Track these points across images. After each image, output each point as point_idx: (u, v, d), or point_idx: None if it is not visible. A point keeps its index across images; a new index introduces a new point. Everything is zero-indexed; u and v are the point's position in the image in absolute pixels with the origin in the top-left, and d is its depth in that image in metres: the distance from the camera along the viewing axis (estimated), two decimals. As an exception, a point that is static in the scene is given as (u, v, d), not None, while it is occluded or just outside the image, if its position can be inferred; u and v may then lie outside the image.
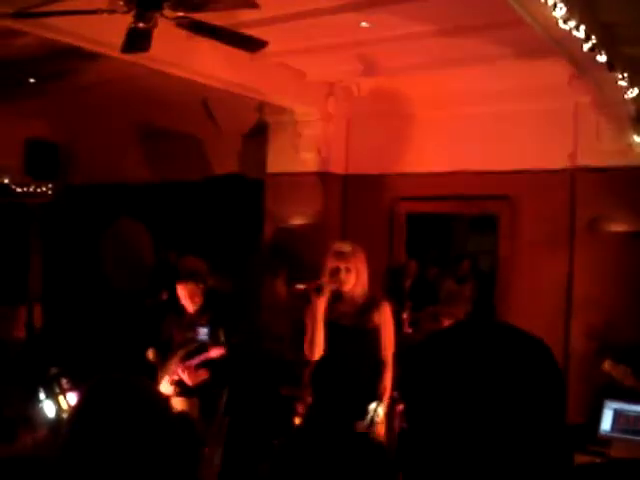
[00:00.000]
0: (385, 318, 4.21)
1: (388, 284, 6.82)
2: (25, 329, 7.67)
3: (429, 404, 3.01)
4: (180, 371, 5.35)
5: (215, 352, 5.33)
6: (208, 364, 5.39)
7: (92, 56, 5.70)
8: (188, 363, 5.36)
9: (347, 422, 3.92)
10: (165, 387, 5.47)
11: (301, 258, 7.05)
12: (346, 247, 4.21)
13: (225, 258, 7.34)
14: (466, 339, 3.09)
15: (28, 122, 9.31)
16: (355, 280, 4.16)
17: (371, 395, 4.06)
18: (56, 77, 7.15)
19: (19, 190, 9.16)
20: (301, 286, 4.16)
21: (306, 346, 4.17)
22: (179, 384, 5.46)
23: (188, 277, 5.62)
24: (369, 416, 3.94)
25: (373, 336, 4.16)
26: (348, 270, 4.14)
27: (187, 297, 5.53)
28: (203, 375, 5.38)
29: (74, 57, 6.08)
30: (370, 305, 4.19)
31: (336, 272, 4.14)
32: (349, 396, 4.04)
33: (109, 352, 6.86)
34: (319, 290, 4.08)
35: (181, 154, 8.54)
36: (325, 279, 4.11)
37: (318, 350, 4.16)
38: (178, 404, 5.46)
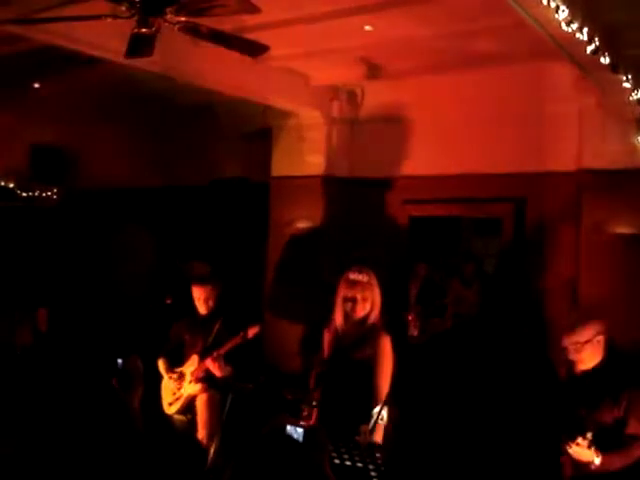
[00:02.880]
0: (381, 350, 4.16)
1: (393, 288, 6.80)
2: (31, 334, 7.68)
3: (422, 404, 2.98)
4: (210, 361, 5.34)
5: (251, 331, 5.34)
6: (233, 358, 5.39)
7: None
8: (217, 353, 5.33)
9: (351, 426, 3.91)
10: (188, 388, 5.48)
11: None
12: (363, 276, 4.21)
13: (229, 262, 7.35)
14: (462, 342, 3.08)
15: (33, 127, 9.35)
16: (370, 309, 4.18)
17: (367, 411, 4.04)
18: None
19: (24, 195, 9.20)
20: (289, 396, 4.18)
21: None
22: (206, 379, 5.46)
23: (206, 279, 5.66)
24: (373, 420, 3.93)
25: (363, 367, 4.15)
26: (365, 300, 4.16)
27: (202, 300, 5.57)
28: (229, 369, 5.39)
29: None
30: (366, 335, 4.18)
31: (351, 301, 4.15)
32: (351, 402, 4.04)
33: (113, 357, 6.87)
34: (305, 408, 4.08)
35: (186, 158, 8.55)
36: (312, 402, 4.11)
37: None
38: (203, 401, 5.47)
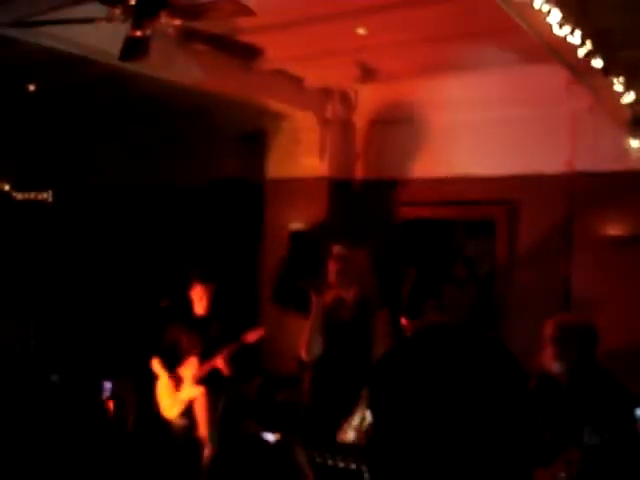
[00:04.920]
0: (379, 323, 4.14)
1: (386, 290, 6.81)
2: (27, 338, 7.71)
3: (392, 408, 2.95)
4: (220, 359, 5.35)
5: (251, 336, 5.37)
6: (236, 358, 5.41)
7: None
8: (227, 351, 5.35)
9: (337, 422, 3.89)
10: (189, 391, 5.49)
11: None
12: (342, 249, 4.22)
13: (224, 263, 7.36)
14: (425, 347, 3.02)
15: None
16: (350, 282, 4.16)
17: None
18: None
19: (20, 197, 9.18)
20: (301, 283, 4.18)
21: (301, 346, 4.19)
22: (208, 381, 5.48)
23: (209, 278, 5.70)
24: (358, 417, 3.90)
25: (364, 339, 4.12)
26: (342, 272, 4.15)
27: (205, 298, 5.59)
28: (234, 369, 5.42)
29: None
30: (364, 309, 4.17)
31: (334, 275, 4.16)
32: (343, 396, 4.01)
33: (110, 359, 6.88)
34: (317, 288, 4.10)
35: (183, 160, 8.55)
36: (323, 280, 4.14)
37: (311, 352, 4.17)
38: (203, 402, 5.48)
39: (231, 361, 5.39)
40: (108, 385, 4.67)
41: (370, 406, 3.60)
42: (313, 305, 4.14)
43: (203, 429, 5.41)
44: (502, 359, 2.78)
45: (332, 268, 4.19)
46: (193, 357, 5.53)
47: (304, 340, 4.18)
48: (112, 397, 4.66)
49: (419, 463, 2.68)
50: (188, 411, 5.54)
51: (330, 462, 3.84)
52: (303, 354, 4.21)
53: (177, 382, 5.56)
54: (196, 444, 5.35)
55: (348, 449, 3.75)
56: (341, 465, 3.80)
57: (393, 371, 2.95)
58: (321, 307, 4.15)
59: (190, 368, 5.53)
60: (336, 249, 4.25)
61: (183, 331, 5.66)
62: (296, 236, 7.27)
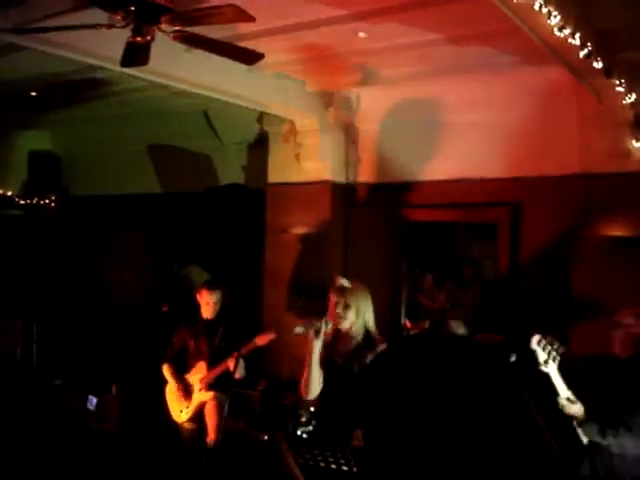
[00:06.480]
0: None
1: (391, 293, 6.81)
2: (25, 342, 7.72)
3: (383, 421, 2.95)
4: (229, 362, 5.34)
5: (261, 339, 5.36)
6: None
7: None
8: (239, 353, 5.32)
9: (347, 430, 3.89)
10: (199, 395, 5.50)
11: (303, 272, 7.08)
12: (346, 282, 4.18)
13: (226, 269, 7.37)
14: (416, 357, 3.04)
15: (31, 135, 9.38)
16: (354, 318, 4.12)
17: None
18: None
19: (22, 202, 9.21)
20: (299, 330, 4.10)
21: (301, 385, 4.15)
22: (215, 383, 5.48)
23: (217, 284, 5.71)
24: None
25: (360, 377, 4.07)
26: (346, 306, 4.11)
27: (213, 304, 5.60)
28: (244, 372, 5.40)
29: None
30: (365, 347, 4.11)
31: (334, 307, 4.11)
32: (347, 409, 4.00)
33: (111, 363, 6.88)
34: (317, 333, 4.05)
35: (183, 165, 8.57)
36: (322, 321, 4.07)
37: (312, 391, 4.13)
38: (213, 406, 5.48)
39: (240, 363, 5.35)
40: (94, 399, 4.62)
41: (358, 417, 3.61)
42: (310, 347, 4.09)
43: (212, 432, 5.40)
44: (490, 371, 2.78)
45: (332, 299, 4.16)
46: (201, 362, 5.53)
47: (303, 380, 4.14)
48: (96, 411, 4.64)
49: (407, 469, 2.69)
50: (198, 415, 5.54)
51: (323, 464, 3.84)
52: (303, 393, 4.16)
53: (186, 387, 5.56)
54: (204, 448, 5.34)
55: (345, 452, 3.75)
56: (345, 468, 3.81)
57: (379, 382, 2.94)
58: (318, 349, 4.10)
59: (199, 373, 5.53)
60: (337, 281, 4.22)
61: (191, 335, 5.66)
62: (301, 239, 7.27)
